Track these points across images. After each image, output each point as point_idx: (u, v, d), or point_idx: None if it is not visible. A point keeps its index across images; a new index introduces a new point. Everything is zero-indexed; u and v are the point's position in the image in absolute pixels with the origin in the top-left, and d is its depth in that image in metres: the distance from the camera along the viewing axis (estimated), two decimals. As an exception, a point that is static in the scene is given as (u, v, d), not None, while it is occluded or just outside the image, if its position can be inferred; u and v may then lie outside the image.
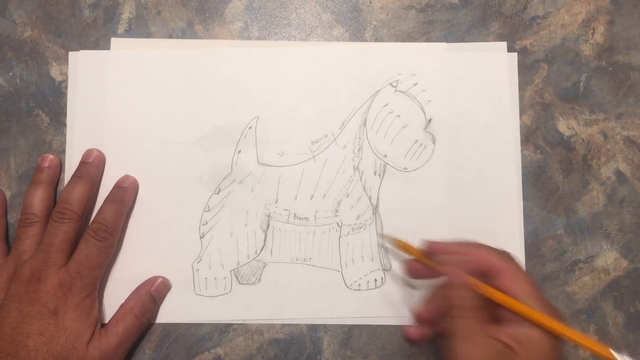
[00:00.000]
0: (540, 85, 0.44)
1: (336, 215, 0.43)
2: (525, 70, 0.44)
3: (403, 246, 0.40)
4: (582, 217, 0.43)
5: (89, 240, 0.39)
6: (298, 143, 0.43)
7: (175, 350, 0.41)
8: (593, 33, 0.45)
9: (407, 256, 0.40)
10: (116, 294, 0.41)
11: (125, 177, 0.42)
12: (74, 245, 0.39)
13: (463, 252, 0.35)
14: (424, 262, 0.37)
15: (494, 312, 0.34)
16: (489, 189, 0.43)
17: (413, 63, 0.44)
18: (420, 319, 0.39)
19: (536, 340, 0.32)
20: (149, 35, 0.44)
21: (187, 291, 0.42)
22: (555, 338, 0.32)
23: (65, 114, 0.43)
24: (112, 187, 0.41)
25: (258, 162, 0.43)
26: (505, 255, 0.35)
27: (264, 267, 0.42)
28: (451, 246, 0.36)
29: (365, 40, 0.45)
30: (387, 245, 0.42)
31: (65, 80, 0.44)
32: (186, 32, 0.44)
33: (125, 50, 0.44)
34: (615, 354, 0.31)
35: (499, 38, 0.45)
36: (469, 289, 0.33)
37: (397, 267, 0.42)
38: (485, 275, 0.34)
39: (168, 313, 0.41)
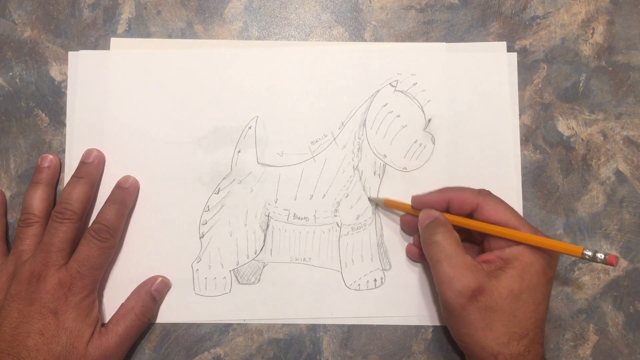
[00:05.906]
0: (540, 85, 0.44)
1: (336, 215, 0.43)
2: (525, 70, 0.44)
3: (392, 204, 0.42)
4: (581, 217, 0.43)
5: (90, 241, 0.39)
6: (298, 143, 0.43)
7: (175, 350, 0.41)
8: (593, 33, 0.45)
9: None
10: (116, 294, 0.41)
11: (126, 178, 0.42)
12: (73, 245, 0.39)
13: (444, 198, 0.38)
14: (413, 214, 0.40)
15: (481, 247, 0.39)
16: (488, 189, 0.42)
17: (413, 63, 0.44)
18: (411, 256, 0.42)
19: (523, 256, 0.35)
20: (148, 35, 0.44)
21: (187, 291, 0.42)
22: (541, 252, 0.35)
23: (65, 114, 0.43)
24: (113, 188, 0.41)
25: (258, 162, 0.43)
26: (482, 192, 0.38)
27: (263, 267, 0.42)
28: (433, 196, 0.39)
29: (365, 40, 0.45)
30: (378, 207, 0.43)
31: (65, 80, 0.44)
32: (186, 32, 0.44)
33: (124, 50, 0.44)
34: (586, 251, 0.33)
35: (499, 38, 0.45)
36: (436, 224, 0.37)
37: (396, 267, 0.42)
38: (470, 213, 0.38)
39: (168, 313, 0.42)
